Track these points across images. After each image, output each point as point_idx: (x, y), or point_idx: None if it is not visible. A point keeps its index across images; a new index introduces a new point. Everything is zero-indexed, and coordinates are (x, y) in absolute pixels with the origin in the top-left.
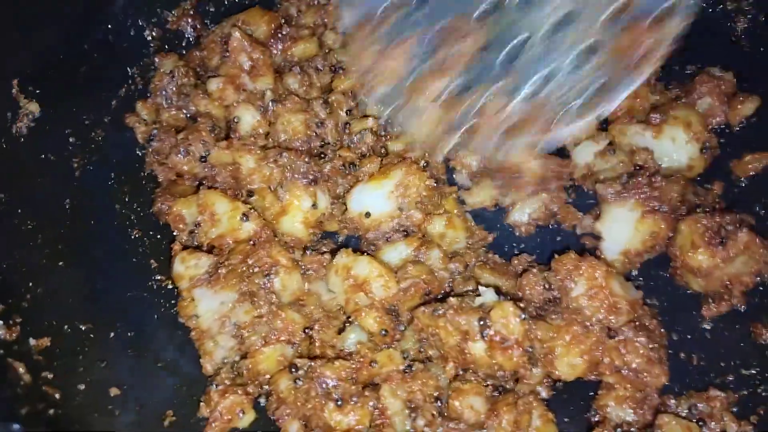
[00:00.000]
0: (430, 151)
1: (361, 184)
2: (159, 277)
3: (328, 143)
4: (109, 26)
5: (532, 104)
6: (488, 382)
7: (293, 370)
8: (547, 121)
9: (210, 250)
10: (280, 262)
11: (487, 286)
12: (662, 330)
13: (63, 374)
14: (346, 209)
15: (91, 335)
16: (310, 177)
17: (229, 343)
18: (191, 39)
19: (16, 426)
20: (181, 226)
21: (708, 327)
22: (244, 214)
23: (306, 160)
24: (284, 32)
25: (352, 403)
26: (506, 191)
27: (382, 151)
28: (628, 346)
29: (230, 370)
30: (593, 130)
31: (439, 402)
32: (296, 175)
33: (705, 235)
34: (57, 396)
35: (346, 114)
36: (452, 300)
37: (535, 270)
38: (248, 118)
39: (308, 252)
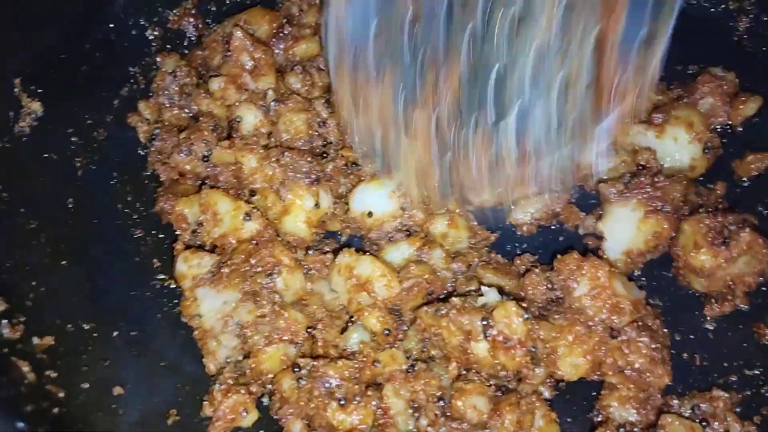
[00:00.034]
0: (420, 188)
1: (363, 183)
2: (161, 277)
3: (330, 143)
4: (111, 26)
5: (514, 137)
6: (491, 382)
7: (296, 369)
8: (530, 155)
9: (212, 249)
10: (283, 262)
11: (489, 286)
12: (665, 330)
13: (66, 373)
14: (349, 209)
15: (94, 334)
16: (313, 176)
17: (232, 342)
18: (193, 38)
19: (20, 424)
20: (183, 225)
21: (711, 327)
22: (246, 214)
23: (308, 159)
24: (286, 32)
25: (355, 402)
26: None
27: None
28: (631, 346)
29: (233, 369)
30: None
31: (441, 402)
32: (298, 175)
33: (708, 235)
34: (61, 395)
35: None
36: (455, 300)
37: (537, 270)
38: (250, 118)
39: (311, 252)
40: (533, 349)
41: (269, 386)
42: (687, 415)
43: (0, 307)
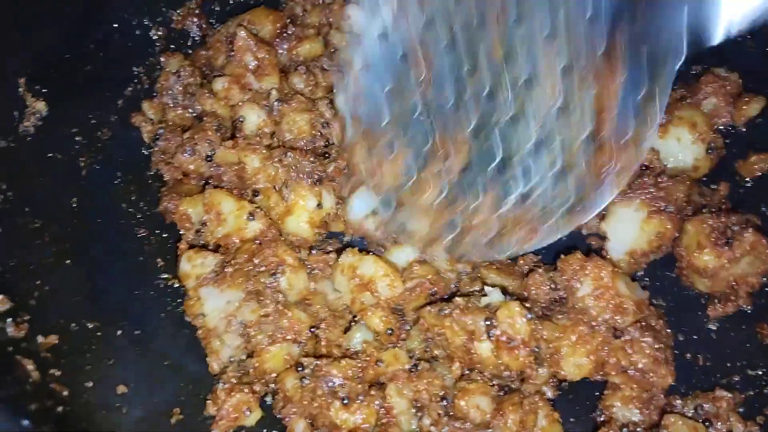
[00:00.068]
0: (429, 248)
1: (358, 191)
2: (165, 276)
3: (333, 143)
4: (115, 26)
5: (514, 216)
6: (494, 382)
7: (299, 368)
8: (529, 232)
9: (216, 249)
10: (286, 262)
11: (493, 286)
12: (668, 330)
13: (70, 372)
14: (347, 215)
15: (98, 333)
16: (315, 177)
17: (235, 341)
18: (197, 38)
19: (25, 422)
20: (187, 225)
21: (714, 327)
22: (250, 213)
23: (311, 159)
24: (289, 32)
25: (358, 401)
26: None
27: None
28: (635, 346)
29: (236, 368)
30: None
31: (444, 401)
32: (301, 175)
33: (711, 235)
34: (65, 393)
35: None
36: (458, 300)
37: (541, 270)
38: (253, 118)
39: (314, 251)
40: (536, 350)
41: (272, 385)
42: (690, 415)
43: (4, 305)
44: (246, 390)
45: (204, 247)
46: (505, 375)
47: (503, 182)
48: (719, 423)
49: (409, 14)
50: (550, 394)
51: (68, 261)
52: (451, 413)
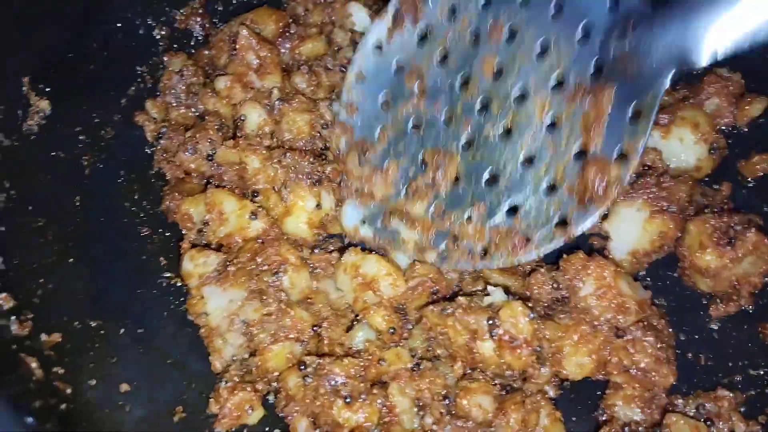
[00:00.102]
0: (421, 256)
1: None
2: (168, 275)
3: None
4: (119, 25)
5: (506, 228)
6: (496, 382)
7: (302, 367)
8: (521, 243)
9: (219, 248)
10: (289, 261)
11: (495, 285)
12: (670, 330)
13: (74, 370)
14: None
15: (101, 332)
16: (314, 177)
17: (238, 340)
18: (200, 38)
19: (29, 419)
20: (189, 225)
21: (716, 327)
22: (252, 213)
23: (310, 160)
24: (292, 31)
25: (361, 400)
26: None
27: None
28: (637, 345)
29: (239, 367)
30: None
31: (447, 400)
32: (300, 176)
33: (713, 235)
34: (68, 391)
35: None
36: (461, 299)
37: (543, 270)
38: (254, 117)
39: (316, 250)
40: (539, 349)
41: (275, 384)
42: (692, 414)
43: (8, 303)
44: (248, 388)
45: (206, 246)
46: (508, 374)
47: (493, 195)
48: (721, 422)
49: (403, 29)
50: (552, 393)
51: (71, 260)
52: (453, 412)
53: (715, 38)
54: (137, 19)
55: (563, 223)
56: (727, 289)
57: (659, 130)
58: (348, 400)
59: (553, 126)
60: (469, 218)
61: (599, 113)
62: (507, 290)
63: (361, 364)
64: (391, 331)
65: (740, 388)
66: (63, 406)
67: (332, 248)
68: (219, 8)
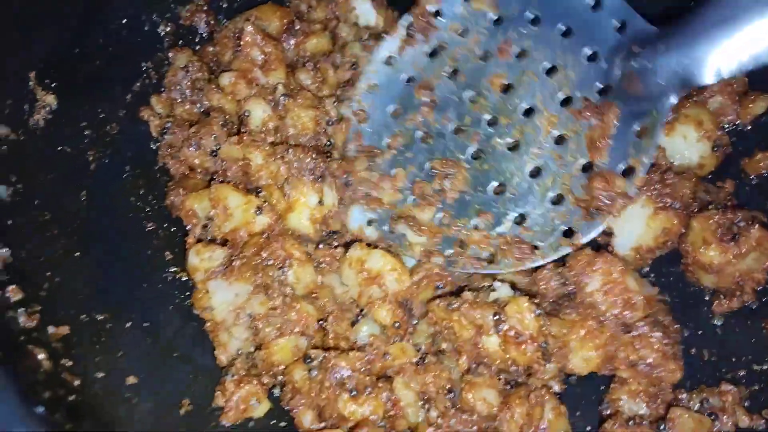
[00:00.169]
0: (428, 260)
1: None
2: (174, 269)
3: (333, 143)
4: (124, 21)
5: (512, 236)
6: (501, 376)
7: (307, 360)
8: (528, 250)
9: (224, 243)
10: (294, 255)
11: (502, 281)
12: (677, 326)
13: (81, 362)
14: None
15: (108, 325)
16: (317, 174)
17: (243, 334)
18: (204, 34)
19: (40, 409)
20: (193, 220)
21: (719, 323)
22: (258, 207)
23: (313, 156)
24: (296, 27)
25: (366, 393)
26: None
27: None
28: (643, 341)
29: (245, 360)
30: None
31: (451, 394)
32: (303, 172)
33: (717, 231)
34: (76, 383)
35: None
36: (467, 294)
37: (550, 265)
38: (259, 112)
39: (321, 245)
40: (544, 345)
41: (280, 377)
42: (696, 409)
43: (16, 296)
44: (254, 382)
45: (212, 241)
46: (512, 370)
47: (500, 204)
48: (725, 417)
49: (415, 45)
50: (556, 388)
51: (77, 253)
52: (458, 406)
53: (719, 60)
54: (142, 15)
55: (569, 231)
56: (731, 285)
57: (663, 127)
58: (353, 393)
59: (560, 140)
60: (476, 226)
61: (605, 130)
62: (513, 286)
63: (367, 358)
64: (396, 325)
65: (744, 383)
66: (71, 397)
67: (337, 243)
68: (223, 5)
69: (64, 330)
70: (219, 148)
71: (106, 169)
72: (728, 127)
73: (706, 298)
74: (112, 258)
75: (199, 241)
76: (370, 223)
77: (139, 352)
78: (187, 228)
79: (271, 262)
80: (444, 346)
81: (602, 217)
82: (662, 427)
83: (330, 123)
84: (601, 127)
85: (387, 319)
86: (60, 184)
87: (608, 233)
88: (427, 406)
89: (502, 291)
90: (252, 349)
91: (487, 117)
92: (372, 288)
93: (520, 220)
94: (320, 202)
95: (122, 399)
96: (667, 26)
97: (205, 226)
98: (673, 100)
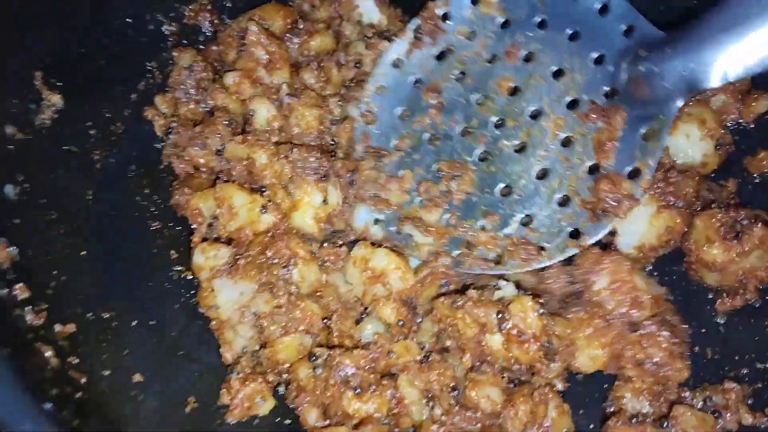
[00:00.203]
0: (435, 261)
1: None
2: (179, 268)
3: (338, 143)
4: (128, 21)
5: (518, 237)
6: (504, 375)
7: (312, 358)
8: (535, 251)
9: (229, 241)
10: (299, 254)
11: (507, 280)
12: (685, 326)
13: (88, 360)
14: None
15: (114, 323)
16: (321, 173)
17: (248, 332)
18: (209, 34)
19: (48, 405)
20: (199, 219)
21: (722, 321)
22: (263, 206)
23: (317, 155)
24: (300, 26)
25: (370, 391)
26: None
27: None
28: (651, 340)
29: (250, 359)
30: None
31: (455, 392)
32: (307, 171)
33: (720, 229)
34: (83, 380)
35: None
36: (471, 292)
37: (558, 264)
38: (263, 112)
39: (325, 244)
40: (547, 345)
41: (285, 375)
42: (699, 407)
43: (23, 294)
44: (259, 380)
45: (217, 239)
46: (515, 368)
47: (507, 206)
48: (728, 414)
49: (423, 48)
50: (560, 386)
51: (83, 252)
52: (462, 403)
53: (726, 64)
54: (147, 15)
55: (575, 233)
56: (734, 283)
57: None
58: (358, 391)
59: (566, 142)
60: (483, 227)
61: (612, 133)
62: (518, 285)
63: (371, 356)
64: (400, 323)
65: (747, 381)
66: (78, 394)
67: (341, 242)
68: (227, 4)
69: (71, 328)
70: (224, 148)
71: (111, 169)
72: (731, 126)
73: (710, 296)
74: (118, 257)
75: (204, 239)
76: (375, 222)
77: (144, 350)
78: (192, 227)
79: (275, 260)
80: (448, 343)
81: (608, 219)
82: (665, 424)
83: (334, 122)
84: (607, 129)
85: (391, 318)
86: (66, 183)
87: (612, 232)
88: (431, 404)
89: (507, 290)
90: (257, 347)
91: (494, 119)
92: (376, 286)
93: (527, 221)
94: (324, 201)
95: (128, 397)
96: (674, 31)
97: (210, 225)
98: (680, 103)
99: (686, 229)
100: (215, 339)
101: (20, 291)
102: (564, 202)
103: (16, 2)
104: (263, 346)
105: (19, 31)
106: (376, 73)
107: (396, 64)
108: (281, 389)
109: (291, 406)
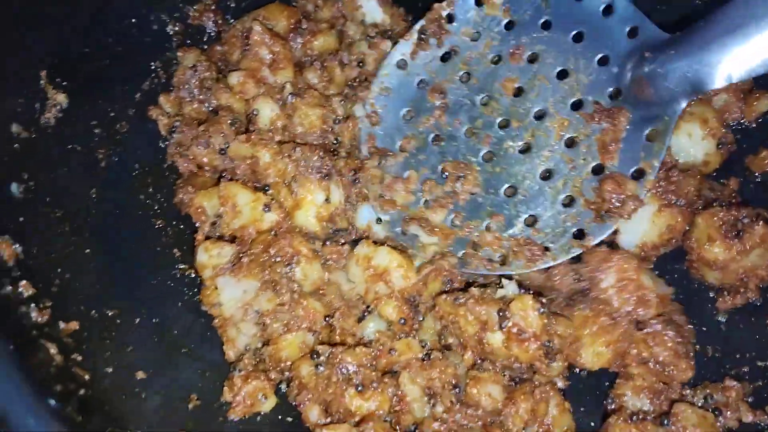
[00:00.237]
0: (441, 261)
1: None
2: (182, 266)
3: (342, 142)
4: (133, 20)
5: (523, 238)
6: (505, 373)
7: (314, 356)
8: (539, 251)
9: (232, 240)
10: (301, 252)
11: (510, 278)
12: (691, 326)
13: (91, 357)
14: (355, 221)
15: (117, 321)
16: (324, 172)
17: (251, 330)
18: (212, 34)
19: (52, 401)
20: (203, 218)
21: (723, 319)
22: (266, 205)
23: (320, 154)
24: (303, 27)
25: (372, 388)
26: None
27: None
28: (656, 338)
29: (253, 356)
30: None
31: (457, 389)
32: (310, 170)
33: (721, 228)
34: (86, 377)
35: None
36: (473, 290)
37: (565, 261)
38: (266, 111)
39: (328, 243)
40: (548, 344)
41: (287, 373)
42: (700, 404)
43: (28, 291)
44: (262, 377)
45: (220, 238)
46: (516, 367)
47: (512, 206)
48: (728, 412)
49: (427, 49)
50: (560, 384)
51: (87, 250)
52: (463, 401)
53: (730, 65)
54: (151, 15)
55: (580, 233)
56: (735, 281)
57: None
58: (360, 388)
59: (571, 143)
60: (488, 227)
61: (616, 134)
62: (525, 282)
63: (373, 353)
64: (402, 321)
65: (747, 379)
66: (82, 391)
67: (344, 241)
68: (231, 4)
69: (75, 325)
70: (227, 147)
71: (115, 167)
72: (733, 125)
73: (711, 294)
74: (122, 255)
75: (207, 238)
76: (378, 221)
77: (147, 347)
78: (196, 225)
79: (278, 258)
80: (451, 340)
81: (613, 220)
82: (666, 422)
83: (337, 121)
84: (612, 130)
85: (393, 316)
86: (70, 182)
87: (614, 231)
88: (432, 401)
89: (509, 288)
90: (260, 345)
91: (499, 120)
92: (378, 284)
93: (532, 221)
94: (327, 199)
95: (131, 394)
96: (678, 32)
97: (213, 224)
98: (684, 104)
99: (688, 228)
100: (218, 337)
101: (25, 288)
102: (568, 203)
103: (21, 2)
104: (266, 343)
105: (23, 30)
106: (380, 75)
107: (401, 65)
108: (283, 387)
109: (293, 404)
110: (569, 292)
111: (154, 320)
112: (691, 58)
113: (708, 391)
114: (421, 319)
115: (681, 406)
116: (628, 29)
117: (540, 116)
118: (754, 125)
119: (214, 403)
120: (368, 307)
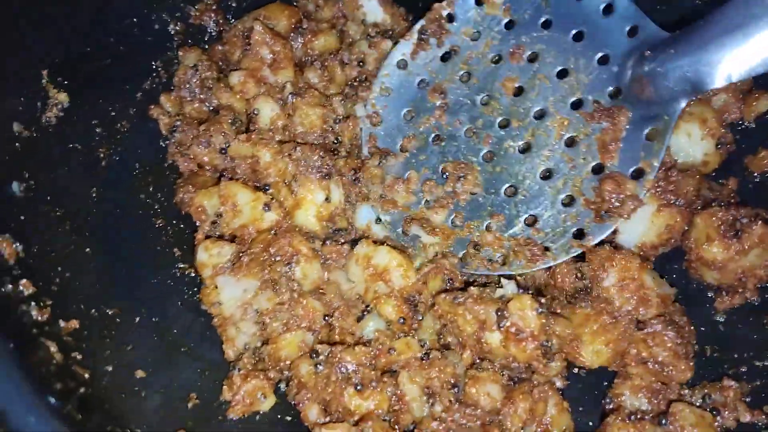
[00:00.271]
0: (442, 261)
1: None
2: (182, 265)
3: (342, 141)
4: (134, 20)
5: (524, 237)
6: (504, 372)
7: (314, 355)
8: (540, 251)
9: (232, 239)
10: (301, 252)
11: (509, 278)
12: (692, 328)
13: (91, 355)
14: (354, 222)
15: (117, 319)
16: (324, 171)
17: (251, 329)
18: (213, 33)
19: (51, 399)
20: (202, 217)
21: (722, 319)
22: (266, 204)
23: (320, 154)
24: (304, 26)
25: (371, 388)
26: None
27: None
28: (656, 339)
29: (252, 355)
30: None
31: (455, 389)
32: (310, 169)
33: (720, 228)
34: (86, 376)
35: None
36: (472, 289)
37: (568, 259)
38: (267, 111)
39: (328, 242)
40: (546, 344)
41: (287, 372)
42: (698, 404)
43: (28, 290)
44: (261, 376)
45: (220, 237)
46: (514, 366)
47: (512, 206)
48: (726, 412)
49: (428, 49)
50: (559, 383)
51: (87, 249)
52: (462, 400)
53: (730, 65)
54: (152, 15)
55: (580, 233)
56: (733, 281)
57: None
58: (359, 387)
59: (571, 142)
60: (489, 227)
61: (616, 133)
62: (526, 280)
63: (372, 352)
64: (401, 321)
65: (746, 379)
66: (82, 390)
67: (343, 240)
68: (232, 4)
69: (75, 324)
70: (228, 146)
71: (116, 167)
72: (732, 125)
73: (709, 294)
74: (122, 254)
75: (207, 237)
76: (378, 220)
77: (147, 346)
78: (196, 224)
79: (278, 258)
80: (450, 339)
81: (613, 220)
82: (664, 422)
83: (337, 121)
84: (612, 130)
85: (392, 315)
86: (71, 181)
87: (613, 230)
88: (431, 401)
89: (508, 288)
90: (259, 344)
91: (499, 119)
92: (378, 284)
93: (532, 221)
94: (327, 199)
95: (131, 392)
96: (678, 31)
97: (213, 223)
98: (683, 103)
99: (686, 228)
100: (218, 336)
101: (25, 287)
102: (568, 203)
103: (22, 2)
104: (265, 342)
105: (24, 30)
106: (381, 75)
107: (401, 65)
108: (282, 386)
109: (292, 403)
110: (571, 290)
111: (153, 319)
112: (691, 57)
113: (706, 390)
114: (420, 318)
115: (679, 406)
116: (628, 28)
117: (540, 116)
118: (753, 125)
119: (213, 402)
120: (367, 306)
